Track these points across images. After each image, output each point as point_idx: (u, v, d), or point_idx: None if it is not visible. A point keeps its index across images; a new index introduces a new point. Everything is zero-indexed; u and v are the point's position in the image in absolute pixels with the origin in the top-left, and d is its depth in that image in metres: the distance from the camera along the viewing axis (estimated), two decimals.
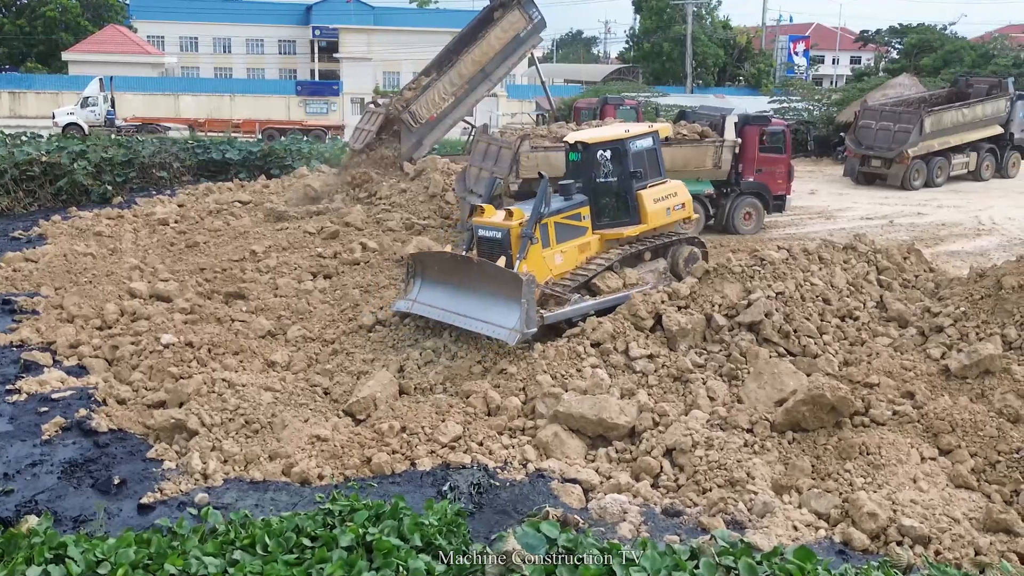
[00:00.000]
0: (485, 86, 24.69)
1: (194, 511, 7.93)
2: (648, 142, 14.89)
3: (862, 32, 71.83)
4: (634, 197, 14.39)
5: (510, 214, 13.18)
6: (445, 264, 13.07)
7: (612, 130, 15.73)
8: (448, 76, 24.07)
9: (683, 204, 15.13)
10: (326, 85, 71.77)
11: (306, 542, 6.35)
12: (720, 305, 11.59)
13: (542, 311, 12.12)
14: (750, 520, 8.18)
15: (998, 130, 31.49)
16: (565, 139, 15.54)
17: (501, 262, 12.46)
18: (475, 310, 12.13)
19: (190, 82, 72.55)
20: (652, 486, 8.88)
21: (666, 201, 14.76)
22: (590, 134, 15.39)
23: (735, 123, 20.67)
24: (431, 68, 25.29)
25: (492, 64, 24.31)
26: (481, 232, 13.38)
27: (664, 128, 16.30)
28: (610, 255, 13.82)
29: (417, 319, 12.92)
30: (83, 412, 10.27)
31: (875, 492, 8.32)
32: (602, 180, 14.37)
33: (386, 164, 23.50)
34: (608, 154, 14.37)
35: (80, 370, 11.91)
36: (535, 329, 11.64)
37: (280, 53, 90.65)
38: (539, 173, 14.54)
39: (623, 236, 14.24)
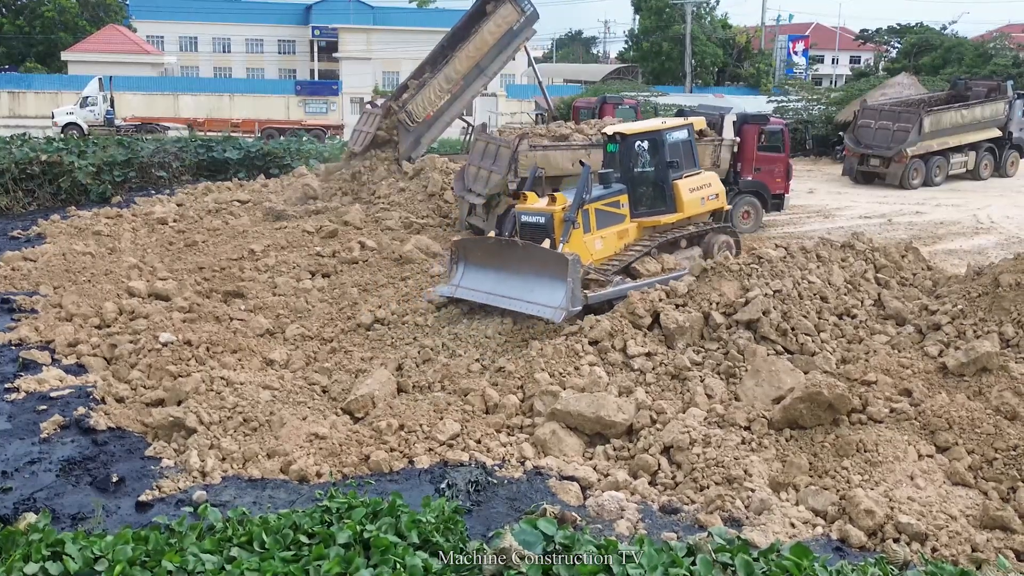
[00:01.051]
0: (480, 81, 24.63)
1: (192, 508, 7.94)
2: (684, 134, 15.58)
3: (861, 31, 71.85)
4: (670, 186, 15.06)
5: (553, 199, 13.82)
6: (489, 249, 13.48)
7: (649, 122, 16.49)
8: (443, 73, 24.01)
9: (717, 195, 15.80)
10: (325, 85, 71.78)
11: (303, 539, 6.36)
12: (718, 303, 11.60)
13: (585, 291, 12.58)
14: (747, 517, 8.19)
15: (996, 133, 31.54)
16: (604, 131, 16.09)
17: (545, 245, 12.95)
18: (520, 291, 12.63)
19: (189, 82, 72.52)
20: (650, 483, 8.90)
21: (701, 191, 15.42)
22: (628, 126, 16.03)
23: (733, 122, 20.68)
24: (425, 65, 25.22)
25: (486, 59, 24.22)
26: (524, 218, 13.87)
27: (699, 122, 17.09)
28: (648, 242, 14.49)
29: (449, 307, 13.34)
30: (81, 410, 10.28)
31: (872, 489, 8.34)
32: (639, 170, 15.00)
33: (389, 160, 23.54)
34: (645, 145, 15.02)
35: (79, 369, 11.92)
36: (580, 308, 12.11)
37: (279, 53, 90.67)
38: (580, 162, 15.24)
39: (660, 224, 14.88)
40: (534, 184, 14.91)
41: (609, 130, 15.60)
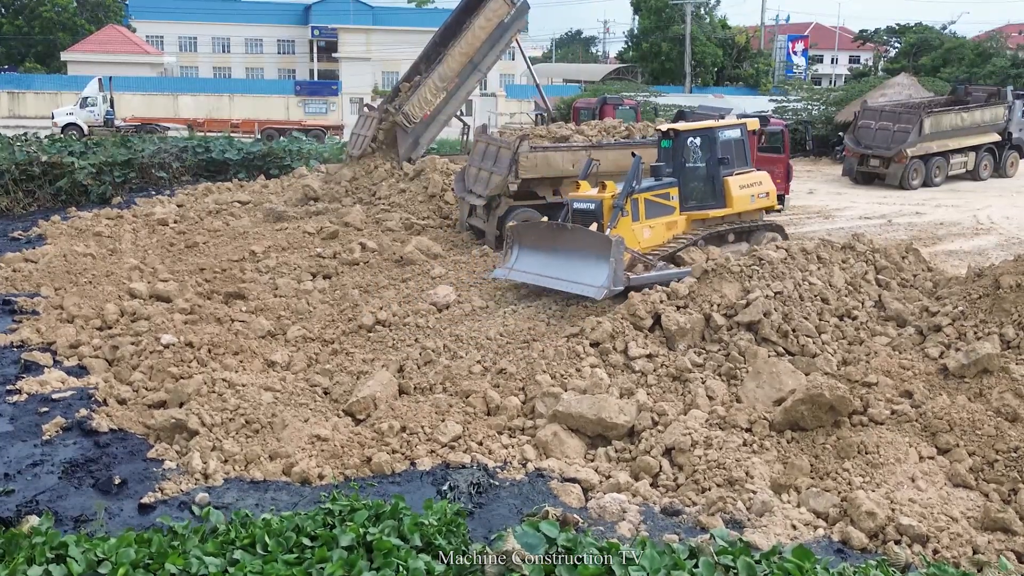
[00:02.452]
0: (475, 78, 24.53)
1: (195, 511, 7.95)
2: (736, 133, 16.08)
3: (861, 31, 71.92)
4: (721, 182, 15.54)
5: (603, 187, 14.70)
6: (541, 233, 14.27)
7: (703, 121, 17.19)
8: (437, 72, 23.91)
9: (767, 193, 16.17)
10: (325, 85, 71.84)
11: (306, 542, 6.38)
12: (719, 305, 11.62)
13: (629, 273, 13.26)
14: (749, 519, 8.20)
15: (996, 138, 31.63)
16: (658, 127, 16.80)
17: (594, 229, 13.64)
18: (567, 272, 13.38)
19: (189, 82, 72.58)
20: (651, 485, 8.90)
21: (751, 188, 15.87)
22: (682, 124, 16.69)
23: None
24: (419, 64, 25.17)
25: (479, 54, 24.10)
26: (576, 205, 14.66)
27: (753, 122, 17.58)
28: (695, 233, 15.07)
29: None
30: (83, 412, 10.28)
31: (873, 491, 8.34)
32: (691, 165, 15.56)
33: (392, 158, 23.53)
34: (698, 141, 15.58)
35: (80, 370, 11.92)
36: (621, 287, 12.67)
37: (279, 53, 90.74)
38: (632, 153, 15.70)
39: (708, 217, 15.44)
40: (587, 174, 15.70)
41: (663, 127, 16.26)
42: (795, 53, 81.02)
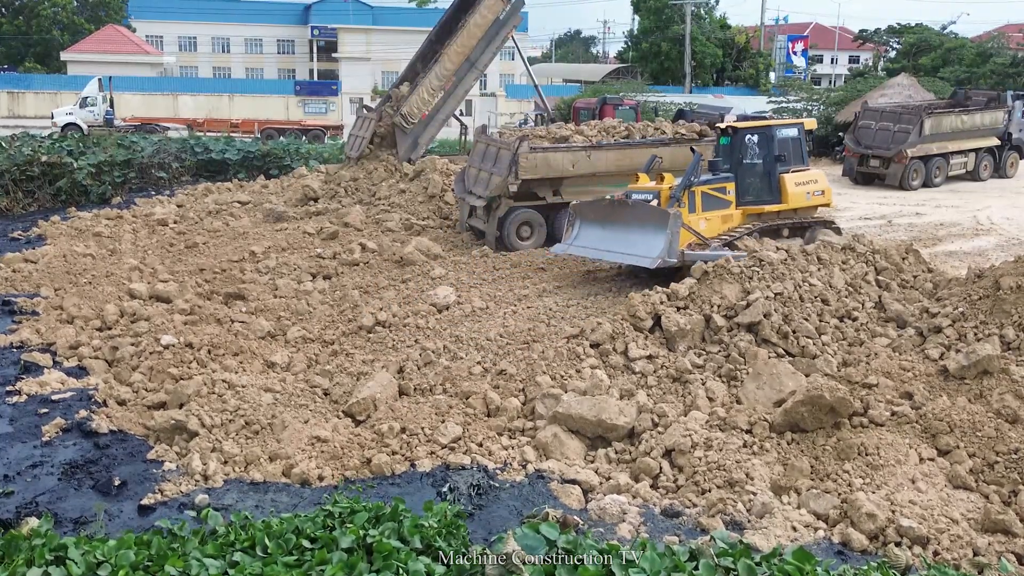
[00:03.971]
0: (472, 76, 24.49)
1: (194, 512, 7.94)
2: (794, 132, 16.71)
3: (860, 31, 71.90)
4: (777, 179, 16.13)
5: (662, 179, 15.45)
6: (602, 210, 15.25)
7: (762, 120, 17.97)
8: (434, 71, 23.87)
9: (822, 191, 16.66)
10: (325, 85, 71.85)
11: (306, 544, 6.37)
12: (719, 306, 11.61)
13: (683, 249, 13.97)
14: (749, 521, 8.19)
15: (995, 142, 31.63)
16: (718, 124, 17.40)
17: None
18: (624, 245, 14.40)
19: (189, 82, 72.59)
20: (651, 487, 8.89)
21: (807, 186, 16.41)
22: (741, 122, 17.24)
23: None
24: (416, 63, 25.12)
25: (476, 52, 24.05)
26: (635, 196, 15.32)
27: (811, 122, 18.16)
28: (750, 226, 15.61)
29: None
30: (83, 413, 10.27)
31: (874, 493, 8.34)
32: (748, 162, 16.14)
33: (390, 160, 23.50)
34: (756, 139, 16.19)
35: (80, 371, 11.91)
36: (675, 260, 13.26)
37: (279, 53, 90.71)
38: (691, 148, 16.42)
39: (764, 212, 16.03)
40: (649, 168, 16.42)
41: (723, 124, 16.89)
42: (795, 53, 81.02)
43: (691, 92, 66.74)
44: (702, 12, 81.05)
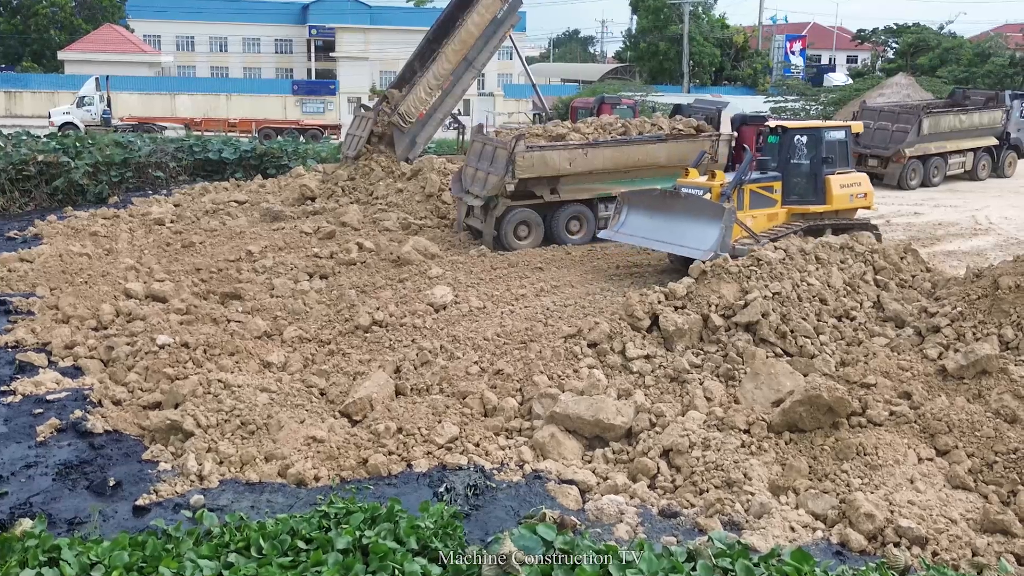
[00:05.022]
0: (470, 75, 24.40)
1: (189, 513, 7.89)
2: (841, 135, 16.96)
3: (859, 31, 71.95)
4: (822, 180, 16.40)
5: (712, 175, 15.84)
6: (651, 199, 15.65)
7: (810, 121, 18.53)
8: (431, 71, 23.77)
9: (866, 194, 16.98)
10: (323, 84, 71.82)
11: (301, 545, 6.34)
12: (717, 305, 11.57)
13: (735, 244, 14.28)
14: (747, 521, 8.15)
15: (993, 142, 31.63)
16: (767, 123, 17.76)
17: None
18: (674, 236, 14.72)
19: (186, 81, 72.53)
20: (649, 487, 8.85)
21: (851, 188, 16.71)
22: (790, 122, 17.60)
23: (732, 121, 20.75)
24: (413, 62, 25.04)
25: (474, 51, 23.95)
26: (685, 191, 15.64)
27: (858, 126, 18.50)
28: (793, 225, 15.98)
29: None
30: (78, 413, 10.21)
31: (872, 493, 8.30)
32: (796, 162, 16.44)
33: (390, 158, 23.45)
34: (804, 139, 16.46)
35: (75, 371, 11.84)
36: (726, 254, 13.04)
37: (277, 52, 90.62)
38: (743, 147, 16.98)
39: (808, 211, 16.35)
40: (699, 164, 16.98)
41: (772, 123, 17.25)
42: (793, 53, 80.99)
43: (689, 91, 66.72)
44: (700, 12, 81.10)
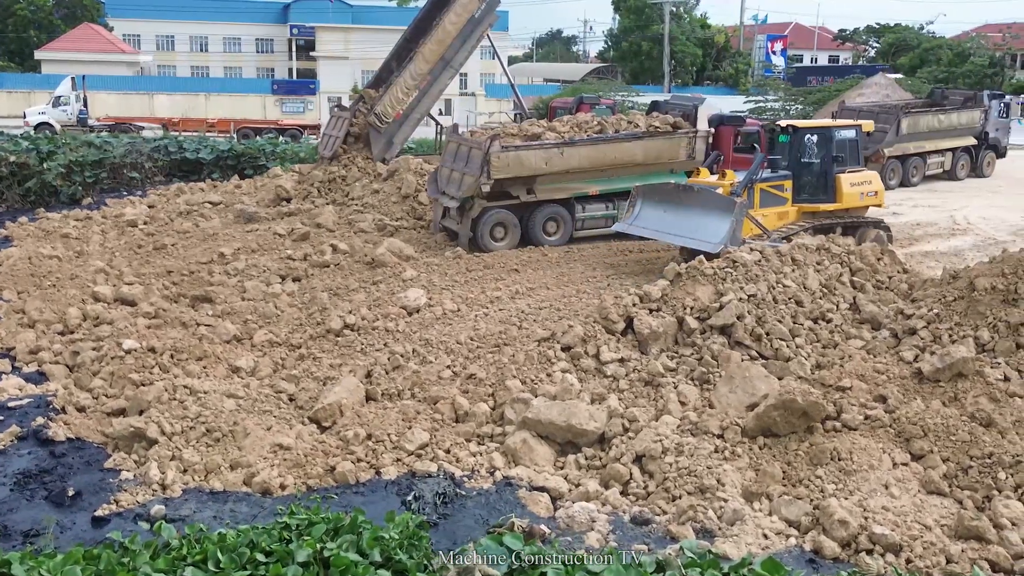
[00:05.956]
0: (447, 75, 24.10)
1: (149, 524, 7.70)
2: (852, 133, 17.17)
3: (840, 31, 72.24)
4: (833, 178, 16.56)
5: (723, 175, 16.09)
6: (665, 193, 15.87)
7: (821, 120, 18.70)
8: (408, 71, 23.50)
9: (876, 192, 17.15)
10: (303, 84, 71.42)
11: (260, 557, 6.16)
12: (692, 308, 11.43)
13: (746, 239, 14.31)
14: (720, 528, 8.04)
15: (972, 141, 31.69)
16: (778, 123, 17.86)
17: None
18: (686, 229, 14.90)
19: (165, 81, 72.01)
20: (621, 493, 8.73)
21: (861, 187, 16.88)
22: (801, 121, 17.70)
23: (709, 120, 20.63)
24: (391, 62, 24.80)
25: (451, 51, 23.66)
26: (698, 185, 15.84)
27: (868, 124, 18.72)
28: (804, 223, 16.17)
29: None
30: (40, 420, 10.00)
31: (846, 499, 8.20)
32: (806, 160, 16.59)
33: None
34: (815, 139, 16.63)
35: (40, 377, 11.60)
36: (736, 248, 13.02)
37: (258, 52, 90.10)
38: (753, 145, 17.29)
39: (818, 210, 16.55)
40: (712, 165, 17.22)
41: (783, 122, 17.36)
42: (774, 53, 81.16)
43: (670, 91, 66.75)
44: (682, 12, 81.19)
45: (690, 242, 14.69)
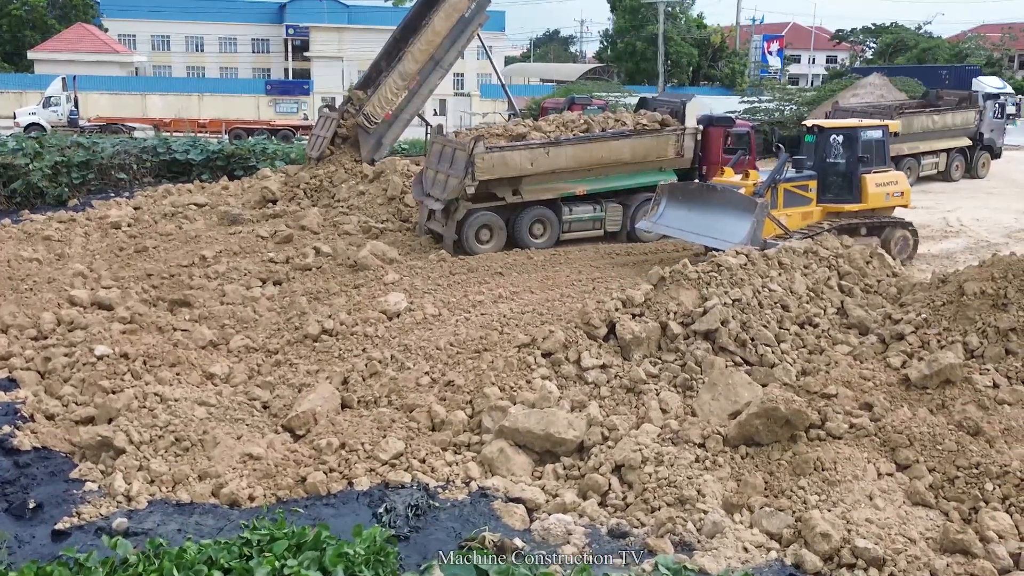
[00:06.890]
0: (437, 75, 23.85)
1: (108, 538, 7.45)
2: (878, 134, 17.12)
3: (837, 31, 72.04)
4: (858, 179, 16.57)
5: (747, 175, 16.32)
6: (689, 192, 16.15)
7: (847, 120, 18.69)
8: (398, 70, 23.23)
9: (902, 192, 17.12)
10: (296, 84, 71.17)
11: (218, 575, 5.96)
12: (675, 312, 11.19)
13: (766, 239, 14.45)
14: (699, 541, 7.80)
15: (966, 142, 31.50)
16: (804, 123, 18.02)
17: None
18: (708, 228, 15.10)
19: (158, 81, 71.72)
20: (600, 505, 8.49)
21: (887, 187, 16.88)
22: (827, 121, 17.71)
23: (698, 121, 20.39)
24: (380, 61, 24.54)
25: (440, 51, 23.43)
26: (721, 185, 16.00)
27: (895, 125, 18.64)
28: (829, 223, 16.13)
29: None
30: (6, 429, 9.74)
31: (829, 511, 7.96)
32: (831, 161, 16.65)
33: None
34: (840, 139, 16.66)
35: (10, 383, 11.32)
36: (758, 248, 13.05)
37: (253, 52, 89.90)
38: (777, 145, 17.22)
39: (843, 210, 16.57)
40: (735, 164, 17.38)
41: (808, 122, 17.52)
42: (770, 53, 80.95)
43: (665, 91, 66.53)
44: (677, 12, 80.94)
45: (711, 241, 14.84)
